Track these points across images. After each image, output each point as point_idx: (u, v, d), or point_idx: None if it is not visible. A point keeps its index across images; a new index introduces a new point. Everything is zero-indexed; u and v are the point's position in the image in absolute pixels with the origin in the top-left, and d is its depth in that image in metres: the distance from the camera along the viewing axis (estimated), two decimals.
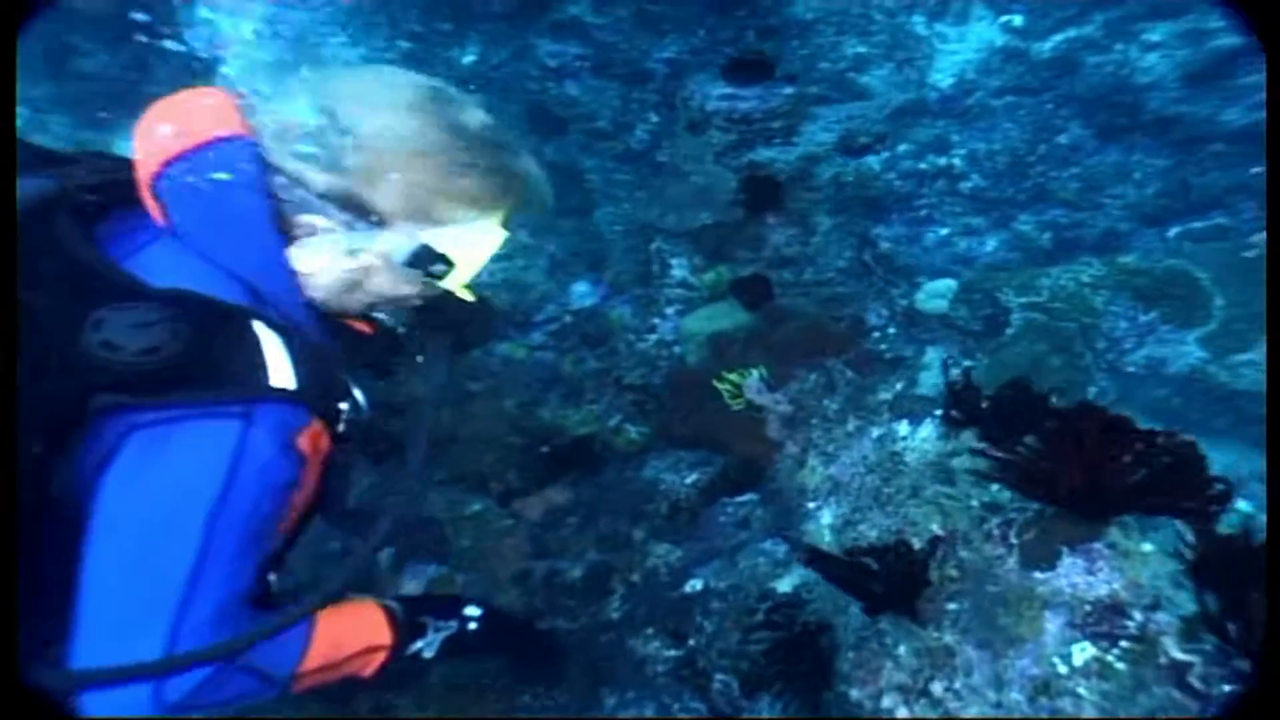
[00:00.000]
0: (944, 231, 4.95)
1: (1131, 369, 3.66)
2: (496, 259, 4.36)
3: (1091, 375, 3.55)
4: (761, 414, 2.89)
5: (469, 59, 5.80)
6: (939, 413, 2.47)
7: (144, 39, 4.90)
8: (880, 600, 2.14)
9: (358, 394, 1.70)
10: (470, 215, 1.65)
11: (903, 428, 2.54)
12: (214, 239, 1.56)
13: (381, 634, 1.87)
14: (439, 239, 1.64)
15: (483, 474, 3.19)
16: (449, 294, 1.74)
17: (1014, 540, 2.07)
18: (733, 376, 2.92)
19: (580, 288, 3.73)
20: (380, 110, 1.57)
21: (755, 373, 2.92)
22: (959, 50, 5.70)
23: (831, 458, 2.67)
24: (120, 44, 5.22)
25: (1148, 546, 1.91)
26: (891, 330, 3.56)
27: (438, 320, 1.80)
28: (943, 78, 5.54)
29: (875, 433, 2.60)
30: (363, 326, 1.79)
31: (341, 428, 1.66)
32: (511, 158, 1.68)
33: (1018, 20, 5.68)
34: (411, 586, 2.87)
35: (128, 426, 1.43)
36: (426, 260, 1.64)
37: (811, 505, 2.64)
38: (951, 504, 2.24)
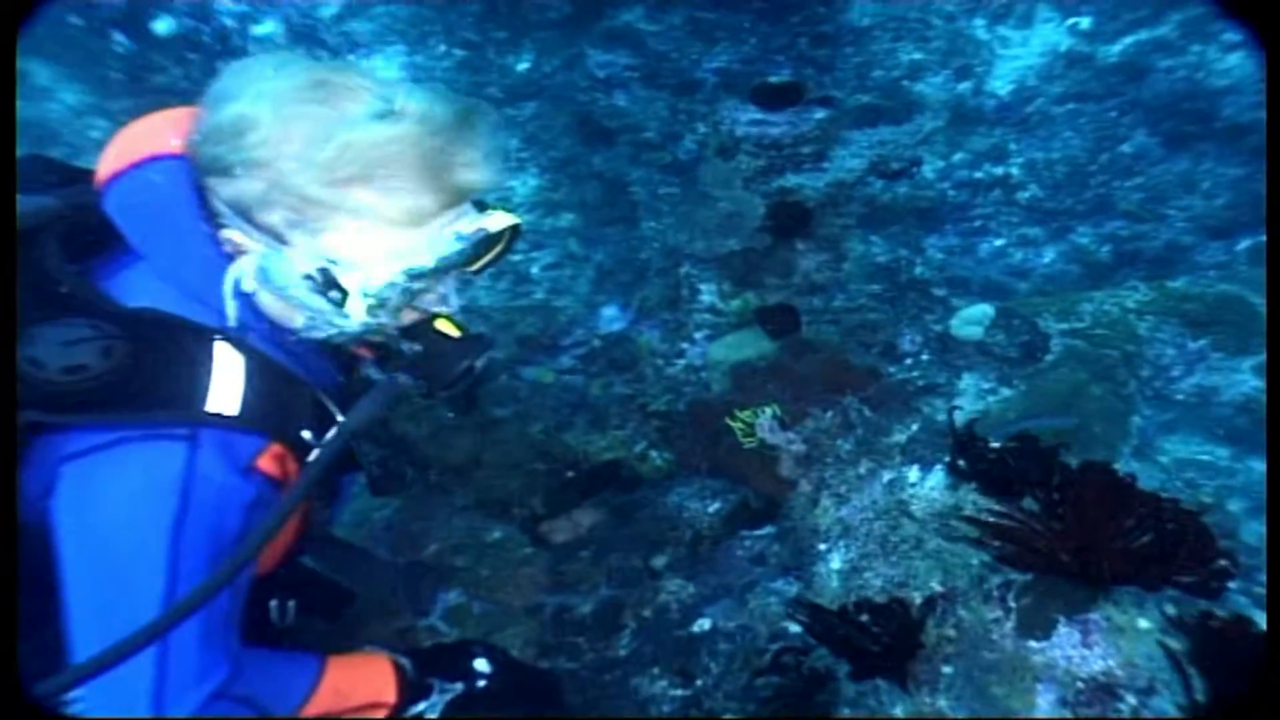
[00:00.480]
0: (999, 242, 4.85)
1: (1180, 397, 3.53)
2: (545, 267, 4.33)
3: (1135, 404, 3.43)
4: (775, 452, 2.85)
5: (523, 66, 5.80)
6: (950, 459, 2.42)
7: (215, 51, 5.02)
8: (872, 662, 2.09)
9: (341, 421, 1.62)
10: (374, 227, 1.48)
11: (913, 473, 2.49)
12: (161, 259, 1.54)
13: (387, 691, 1.88)
14: (342, 254, 1.48)
15: (506, 500, 3.20)
16: (429, 327, 1.63)
17: (1012, 604, 2.01)
18: (745, 415, 2.89)
19: (609, 311, 3.72)
20: (263, 104, 1.43)
21: (769, 411, 2.88)
22: (1021, 55, 5.55)
23: (843, 499, 2.62)
24: (191, 58, 5.34)
25: (1144, 623, 1.84)
26: (924, 357, 3.48)
27: (405, 356, 1.63)
28: (1002, 84, 5.40)
29: (886, 477, 2.54)
30: (364, 351, 1.72)
31: (314, 456, 1.59)
32: (437, 158, 1.47)
33: (1085, 23, 5.50)
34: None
35: (56, 457, 1.43)
36: (322, 286, 1.49)
37: (822, 547, 2.60)
38: (953, 560, 2.18)
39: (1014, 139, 5.17)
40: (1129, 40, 5.29)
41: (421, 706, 1.94)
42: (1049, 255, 4.80)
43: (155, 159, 1.53)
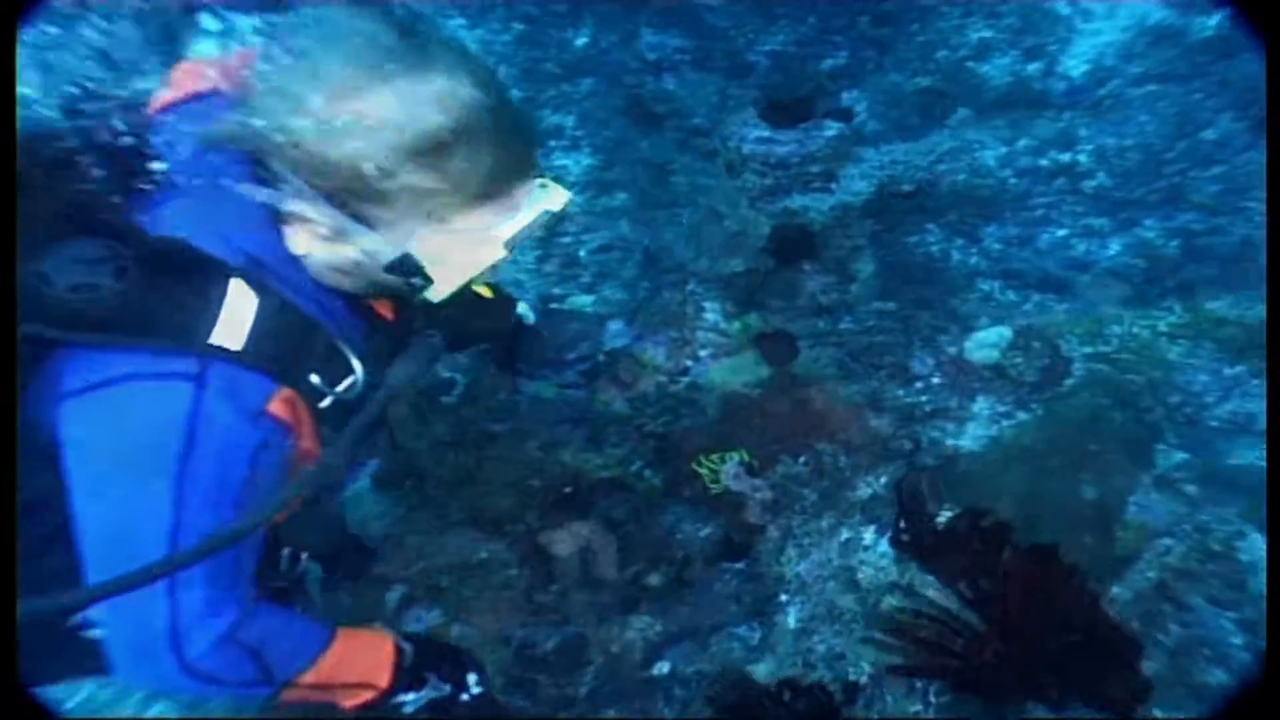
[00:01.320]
0: (1061, 233, 4.60)
1: (1214, 424, 3.32)
2: (593, 251, 4.33)
3: (1160, 431, 3.24)
4: (742, 498, 2.80)
5: (581, 41, 5.72)
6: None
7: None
8: None
9: (359, 371, 1.59)
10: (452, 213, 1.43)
11: (868, 535, 2.41)
12: (198, 197, 1.49)
13: (380, 675, 1.86)
14: (428, 242, 1.46)
15: (499, 517, 3.22)
16: (466, 289, 1.58)
17: (932, 699, 1.95)
18: (710, 462, 2.82)
19: (615, 326, 3.68)
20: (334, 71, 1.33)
21: (735, 457, 2.81)
22: (1102, 31, 5.22)
23: (805, 552, 2.56)
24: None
25: None
26: (936, 380, 3.34)
27: (441, 313, 1.61)
28: (1076, 64, 5.10)
29: (844, 535, 2.47)
30: (384, 310, 1.72)
31: (326, 403, 1.57)
32: (505, 138, 1.42)
33: None
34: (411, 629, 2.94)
35: (60, 386, 1.42)
36: (404, 271, 1.47)
37: (784, 598, 2.56)
38: (886, 640, 2.11)
39: (1085, 124, 4.89)
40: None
41: (406, 697, 1.93)
42: (1114, 248, 4.52)
43: (215, 95, 1.50)
